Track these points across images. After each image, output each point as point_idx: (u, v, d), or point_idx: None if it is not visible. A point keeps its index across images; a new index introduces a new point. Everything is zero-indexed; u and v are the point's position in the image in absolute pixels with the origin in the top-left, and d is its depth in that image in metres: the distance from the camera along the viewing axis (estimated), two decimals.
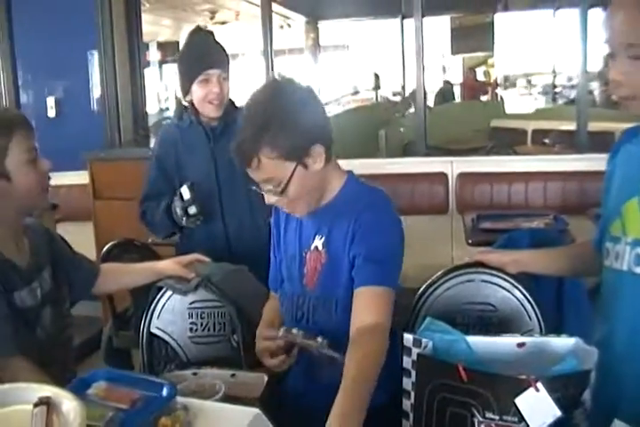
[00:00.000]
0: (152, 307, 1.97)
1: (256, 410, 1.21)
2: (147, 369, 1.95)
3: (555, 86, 10.98)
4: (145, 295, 2.05)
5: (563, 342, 1.33)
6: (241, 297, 1.92)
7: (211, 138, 2.40)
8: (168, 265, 1.97)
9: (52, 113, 4.82)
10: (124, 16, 4.84)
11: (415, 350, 1.33)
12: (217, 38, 2.42)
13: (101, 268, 1.99)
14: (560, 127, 5.95)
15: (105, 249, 2.79)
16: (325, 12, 10.89)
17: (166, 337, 1.96)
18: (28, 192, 1.68)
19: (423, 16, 4.39)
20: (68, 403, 1.09)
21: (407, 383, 1.36)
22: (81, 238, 2.79)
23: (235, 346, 1.92)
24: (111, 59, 4.75)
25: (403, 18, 8.28)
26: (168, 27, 11.83)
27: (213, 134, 2.40)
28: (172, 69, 11.09)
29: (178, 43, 12.43)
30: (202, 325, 1.97)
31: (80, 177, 4.24)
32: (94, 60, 4.80)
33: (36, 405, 1.09)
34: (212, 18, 10.68)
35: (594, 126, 4.37)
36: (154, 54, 11.00)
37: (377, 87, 9.92)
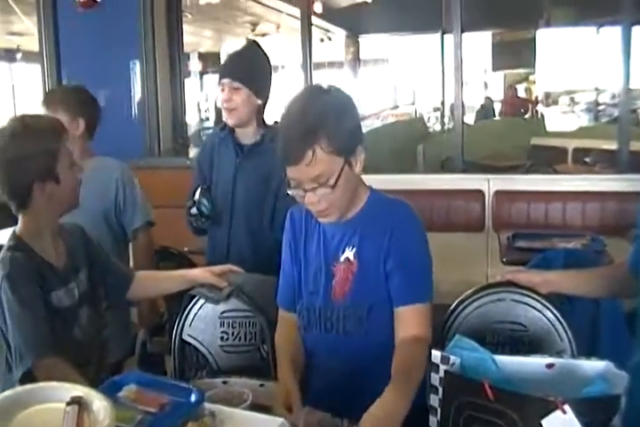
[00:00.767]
0: (184, 314, 1.99)
1: (281, 419, 1.21)
2: (178, 375, 1.97)
3: (598, 104, 10.82)
4: (179, 302, 2.08)
5: (592, 365, 1.31)
6: (271, 307, 1.93)
7: (239, 154, 2.46)
8: (200, 273, 1.99)
9: None
10: (165, 27, 4.94)
11: (443, 367, 1.33)
12: (255, 53, 2.46)
13: (136, 274, 2.03)
14: (602, 146, 5.84)
15: None
16: (366, 27, 10.93)
17: (197, 345, 1.98)
18: (69, 195, 1.75)
19: (462, 31, 4.39)
20: (99, 403, 1.13)
21: (434, 400, 1.35)
22: None
23: (264, 356, 1.93)
24: (152, 69, 4.84)
25: (443, 33, 8.27)
26: (209, 38, 12.01)
27: (242, 151, 2.46)
28: (212, 80, 11.24)
29: (219, 54, 12.61)
30: (233, 334, 1.99)
31: None
32: (136, 69, 4.89)
33: (68, 403, 1.13)
34: (252, 30, 10.81)
35: (636, 146, 4.31)
36: (195, 65, 11.16)
37: (415, 102, 9.92)
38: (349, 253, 1.64)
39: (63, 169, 1.71)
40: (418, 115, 10.23)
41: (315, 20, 5.91)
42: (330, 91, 1.59)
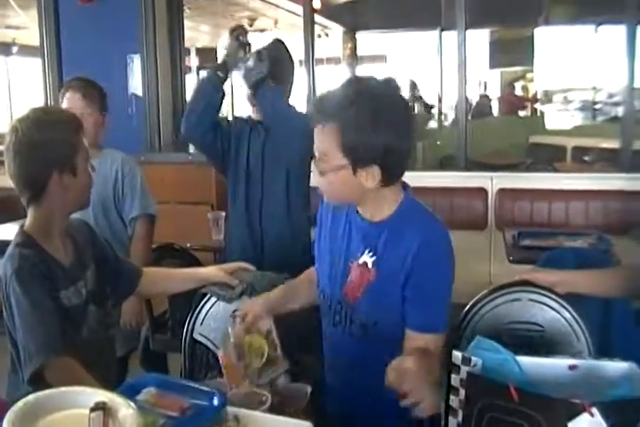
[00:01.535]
0: (196, 313, 1.97)
1: (309, 424, 1.18)
2: (187, 375, 1.95)
3: (595, 103, 10.82)
4: (181, 300, 2.06)
5: (616, 367, 1.30)
6: None
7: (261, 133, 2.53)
8: (212, 272, 1.98)
9: None
10: (166, 21, 4.92)
11: (464, 369, 1.31)
12: (279, 49, 2.57)
13: (146, 271, 2.01)
14: (601, 145, 5.85)
15: None
16: (363, 23, 10.88)
17: (208, 344, 1.97)
18: (83, 190, 1.73)
19: (466, 29, 4.38)
20: (125, 411, 1.10)
21: (454, 401, 1.34)
22: None
23: None
24: (153, 63, 4.83)
25: (442, 30, 8.25)
26: (206, 33, 11.92)
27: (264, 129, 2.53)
28: None
29: (215, 49, 12.53)
30: None
31: None
32: (133, 63, 4.86)
33: (92, 410, 1.09)
34: (250, 25, 10.74)
35: (637, 145, 4.31)
36: (192, 60, 11.09)
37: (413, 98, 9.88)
38: (368, 259, 1.58)
39: (81, 162, 1.69)
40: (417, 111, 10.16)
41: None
42: (393, 105, 1.48)
